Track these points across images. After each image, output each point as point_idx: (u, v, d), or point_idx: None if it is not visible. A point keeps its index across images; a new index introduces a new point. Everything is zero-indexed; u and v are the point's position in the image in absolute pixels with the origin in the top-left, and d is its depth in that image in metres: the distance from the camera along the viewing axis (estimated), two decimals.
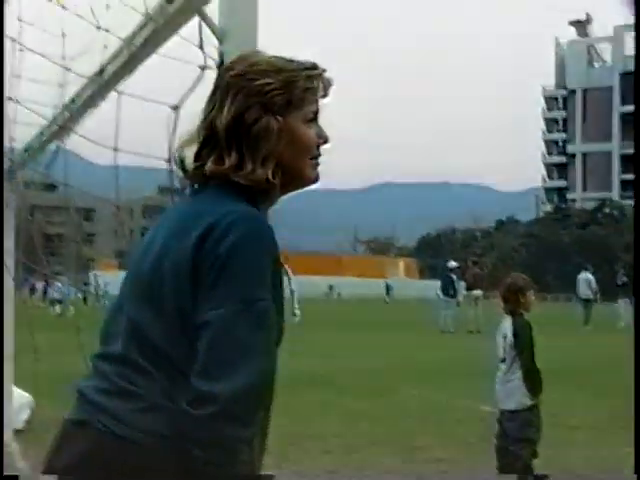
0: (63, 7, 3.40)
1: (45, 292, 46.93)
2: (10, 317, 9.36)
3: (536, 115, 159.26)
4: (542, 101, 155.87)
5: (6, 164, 7.80)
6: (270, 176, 2.19)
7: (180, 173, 2.34)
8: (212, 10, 3.36)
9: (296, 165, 2.25)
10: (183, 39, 3.67)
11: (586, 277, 34.87)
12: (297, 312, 24.53)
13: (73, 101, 4.99)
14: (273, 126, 2.20)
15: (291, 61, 2.32)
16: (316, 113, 2.30)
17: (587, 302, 34.10)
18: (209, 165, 2.22)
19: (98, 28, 3.44)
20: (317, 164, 2.31)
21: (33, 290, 50.03)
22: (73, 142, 5.38)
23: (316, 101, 2.30)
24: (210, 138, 2.23)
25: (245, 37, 3.06)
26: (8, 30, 3.54)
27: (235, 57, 2.41)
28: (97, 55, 3.90)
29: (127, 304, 2.23)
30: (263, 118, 2.20)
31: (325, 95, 2.33)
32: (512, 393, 6.50)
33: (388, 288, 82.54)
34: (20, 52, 3.68)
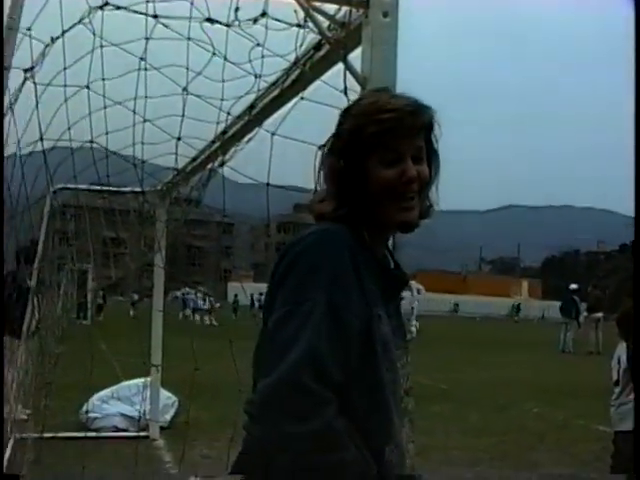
0: (225, 58, 3.86)
1: (184, 301, 47.28)
2: (159, 324, 10.04)
3: None
4: None
5: (160, 186, 8.52)
6: (329, 209, 2.24)
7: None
8: (355, 58, 3.70)
9: (377, 206, 2.21)
10: (327, 84, 4.04)
11: None
12: (413, 329, 24.24)
13: (224, 133, 5.51)
14: (334, 166, 2.24)
15: (373, 103, 2.24)
16: (400, 153, 2.19)
17: None
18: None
19: (255, 76, 3.89)
20: (405, 206, 2.22)
21: (176, 299, 50.72)
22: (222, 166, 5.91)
23: (400, 141, 2.19)
24: None
25: (385, 83, 3.21)
26: (178, 79, 4.10)
27: None
28: (248, 98, 4.39)
29: None
30: (331, 159, 2.26)
31: (411, 133, 2.21)
32: (626, 415, 6.56)
33: (514, 308, 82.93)
34: (184, 97, 4.21)
